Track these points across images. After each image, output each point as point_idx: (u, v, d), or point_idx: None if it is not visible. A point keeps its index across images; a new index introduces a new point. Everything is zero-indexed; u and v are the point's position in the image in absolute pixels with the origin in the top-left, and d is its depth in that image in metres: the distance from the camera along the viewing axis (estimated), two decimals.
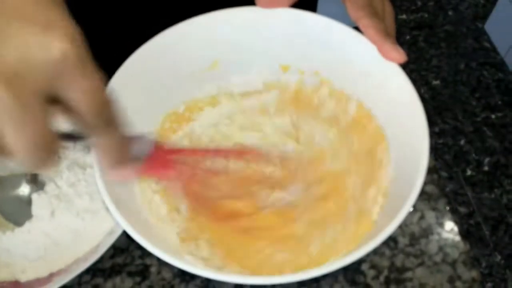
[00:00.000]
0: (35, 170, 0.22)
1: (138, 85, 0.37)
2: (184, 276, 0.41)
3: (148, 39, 0.37)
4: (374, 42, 0.35)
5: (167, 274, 0.42)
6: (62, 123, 0.24)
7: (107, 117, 0.24)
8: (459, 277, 0.41)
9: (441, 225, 0.44)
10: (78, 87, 0.22)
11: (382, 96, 0.38)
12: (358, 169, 0.39)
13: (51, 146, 0.22)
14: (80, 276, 0.41)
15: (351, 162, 0.40)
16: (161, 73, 0.39)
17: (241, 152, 0.39)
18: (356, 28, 0.37)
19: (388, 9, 0.38)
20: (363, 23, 0.36)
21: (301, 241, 0.37)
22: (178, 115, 0.42)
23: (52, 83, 0.22)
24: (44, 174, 0.42)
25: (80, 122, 0.24)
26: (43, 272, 0.40)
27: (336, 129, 0.42)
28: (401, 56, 0.35)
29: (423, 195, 0.45)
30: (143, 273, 0.42)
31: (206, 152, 0.38)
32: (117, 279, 0.41)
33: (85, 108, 0.23)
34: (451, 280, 0.41)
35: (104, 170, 0.28)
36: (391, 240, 0.43)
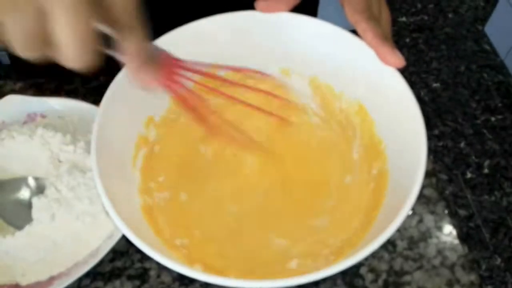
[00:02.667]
0: (76, 65, 0.25)
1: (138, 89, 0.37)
2: (183, 280, 0.41)
3: None
4: (372, 46, 0.36)
5: (166, 278, 0.42)
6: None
7: (136, 18, 0.26)
8: (458, 281, 0.41)
9: (439, 228, 0.44)
10: None
11: (380, 100, 0.38)
12: (355, 171, 0.39)
13: (94, 43, 0.24)
14: (80, 279, 0.41)
15: (349, 165, 0.40)
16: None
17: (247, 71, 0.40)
18: (355, 32, 0.37)
19: (385, 14, 0.38)
20: (361, 27, 0.36)
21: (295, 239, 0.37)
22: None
23: None
24: (45, 177, 0.42)
25: (113, 22, 0.26)
26: (43, 276, 0.40)
27: (335, 131, 0.42)
28: (400, 60, 0.35)
29: (422, 198, 0.45)
30: (143, 276, 0.42)
31: (216, 67, 0.38)
32: (117, 283, 0.42)
33: (122, 7, 0.25)
34: (449, 284, 0.41)
35: (130, 75, 0.29)
36: (390, 244, 0.43)
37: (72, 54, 0.24)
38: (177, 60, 0.33)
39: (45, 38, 0.24)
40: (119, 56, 0.28)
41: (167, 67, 0.32)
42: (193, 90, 0.35)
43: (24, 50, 0.24)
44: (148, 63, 0.29)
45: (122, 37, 0.27)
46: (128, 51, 0.27)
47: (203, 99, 0.36)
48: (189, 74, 0.34)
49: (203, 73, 0.36)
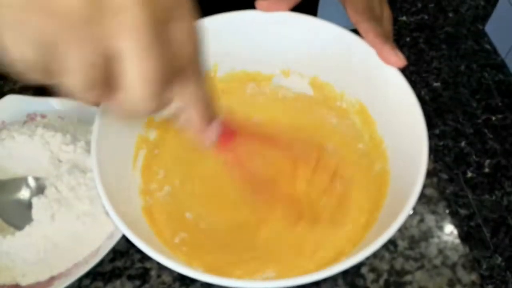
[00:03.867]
0: (141, 111, 0.21)
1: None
2: (184, 280, 0.41)
3: None
4: (373, 46, 0.36)
5: (167, 278, 0.42)
6: None
7: (200, 63, 0.23)
8: (459, 280, 0.41)
9: (440, 228, 0.44)
10: (186, 26, 0.22)
11: (382, 99, 0.38)
12: (356, 171, 0.39)
13: (166, 85, 0.21)
14: (80, 279, 0.41)
15: (349, 164, 0.40)
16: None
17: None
18: (356, 32, 0.37)
19: (387, 14, 0.38)
20: (363, 27, 0.36)
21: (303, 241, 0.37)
22: None
23: (167, 10, 0.21)
24: (45, 177, 0.42)
25: (177, 66, 0.22)
26: (43, 276, 0.40)
27: (335, 130, 0.42)
28: (401, 60, 0.35)
29: (423, 198, 0.45)
30: (143, 276, 0.42)
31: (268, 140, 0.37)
32: (117, 283, 0.42)
33: (188, 50, 0.22)
34: (450, 284, 0.41)
35: (196, 132, 0.26)
36: (391, 243, 0.43)
37: (140, 96, 0.21)
38: (232, 128, 0.30)
39: (107, 79, 0.20)
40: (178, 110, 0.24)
41: (229, 131, 0.29)
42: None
43: (83, 90, 0.20)
44: (211, 116, 0.26)
45: (185, 86, 0.23)
46: (192, 101, 0.24)
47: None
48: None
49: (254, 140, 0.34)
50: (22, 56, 0.19)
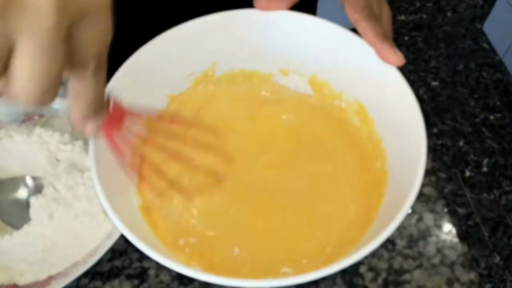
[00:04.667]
0: (25, 103, 0.22)
1: (137, 87, 0.37)
2: (182, 279, 0.41)
3: (146, 42, 0.37)
4: (372, 44, 0.35)
5: (165, 277, 0.41)
6: None
7: (103, 61, 0.25)
8: (457, 279, 0.41)
9: (439, 227, 0.44)
10: (98, 27, 0.23)
11: (380, 98, 0.38)
12: (355, 170, 0.39)
13: (56, 85, 0.22)
14: (78, 279, 0.41)
15: (347, 164, 0.40)
16: (159, 74, 0.39)
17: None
18: (355, 31, 0.37)
19: (386, 12, 0.38)
20: (361, 25, 0.36)
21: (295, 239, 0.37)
22: None
23: (82, 14, 0.22)
24: (43, 176, 0.42)
25: (77, 62, 0.23)
26: (41, 275, 0.40)
27: (333, 130, 0.42)
28: (399, 59, 0.35)
29: (421, 197, 0.45)
30: (141, 276, 0.42)
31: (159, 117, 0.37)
32: (116, 282, 0.41)
33: (93, 49, 0.23)
34: (449, 282, 0.41)
35: (75, 121, 0.27)
36: (389, 242, 0.43)
37: (27, 92, 0.21)
38: (124, 109, 0.31)
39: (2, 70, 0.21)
40: (69, 97, 0.25)
41: (114, 116, 0.30)
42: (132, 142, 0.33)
43: None
44: (99, 111, 0.27)
45: (79, 78, 0.24)
46: (83, 94, 0.25)
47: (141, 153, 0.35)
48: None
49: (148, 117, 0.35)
50: None
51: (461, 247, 0.43)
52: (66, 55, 0.22)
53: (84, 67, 0.24)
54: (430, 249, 0.42)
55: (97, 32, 0.23)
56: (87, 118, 0.26)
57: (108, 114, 0.29)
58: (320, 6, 0.61)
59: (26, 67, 0.21)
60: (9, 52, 0.21)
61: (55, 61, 0.21)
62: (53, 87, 0.22)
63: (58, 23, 0.20)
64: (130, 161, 0.35)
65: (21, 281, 0.40)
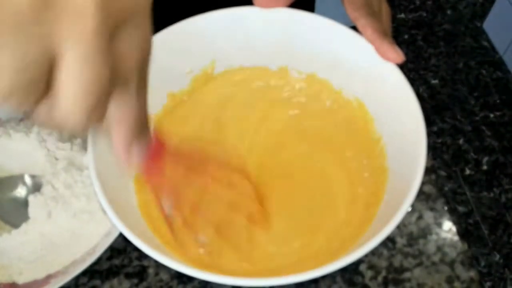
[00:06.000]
0: (79, 128, 0.19)
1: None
2: (182, 277, 0.41)
3: None
4: (371, 42, 0.35)
5: (164, 276, 0.41)
6: None
7: (146, 74, 0.21)
8: (458, 277, 0.41)
9: (439, 225, 0.43)
10: (141, 32, 0.20)
11: (380, 96, 0.38)
12: (354, 168, 0.39)
13: (104, 103, 0.19)
14: (77, 277, 0.40)
15: (347, 162, 0.40)
16: (158, 71, 0.39)
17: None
18: (354, 28, 0.37)
19: (385, 9, 0.38)
20: (361, 23, 0.35)
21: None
22: None
23: (126, 16, 0.18)
24: (42, 174, 0.42)
25: (120, 73, 0.20)
26: (40, 274, 0.40)
27: (332, 128, 0.41)
28: (399, 56, 0.35)
29: (421, 195, 0.45)
30: (141, 274, 0.42)
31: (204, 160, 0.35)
32: (115, 281, 0.41)
33: (136, 59, 0.20)
34: (449, 280, 0.41)
35: (120, 150, 0.23)
36: (389, 241, 0.43)
37: (78, 110, 0.18)
38: (164, 143, 0.27)
39: (41, 83, 0.17)
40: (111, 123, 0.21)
41: (156, 147, 0.26)
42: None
43: (10, 92, 0.17)
44: (141, 136, 0.23)
45: (121, 97, 0.20)
46: (126, 116, 0.21)
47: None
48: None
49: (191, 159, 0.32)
50: None
51: (461, 245, 0.42)
52: (113, 67, 0.19)
53: (127, 82, 0.20)
54: (430, 247, 0.42)
55: (140, 38, 0.20)
56: (131, 143, 0.23)
57: (151, 141, 0.25)
58: (318, 4, 0.61)
59: (75, 81, 0.17)
60: (51, 67, 0.17)
61: (104, 71, 0.18)
62: (103, 104, 0.19)
63: (103, 24, 0.17)
64: (169, 206, 0.32)
65: (20, 280, 0.40)
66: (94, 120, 0.19)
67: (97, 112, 0.19)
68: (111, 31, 0.18)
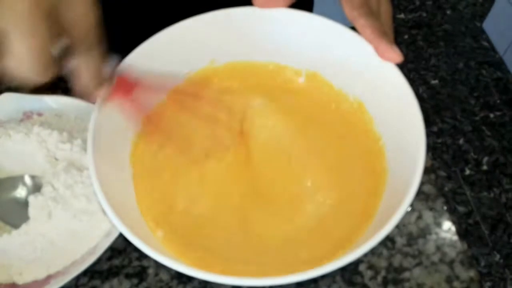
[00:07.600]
0: (28, 79, 0.27)
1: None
2: (182, 277, 0.41)
3: (144, 40, 0.37)
4: (370, 41, 0.35)
5: (164, 276, 0.41)
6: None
7: (92, 39, 0.28)
8: (457, 277, 0.41)
9: (438, 225, 0.43)
10: (77, 8, 0.27)
11: (379, 96, 0.38)
12: (354, 168, 0.39)
13: (48, 58, 0.26)
14: (77, 278, 0.41)
15: (346, 162, 0.40)
16: (158, 72, 0.39)
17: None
18: (353, 28, 0.37)
19: (385, 8, 0.38)
20: (359, 22, 0.35)
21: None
22: None
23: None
24: (42, 175, 0.42)
25: (73, 40, 0.28)
26: (40, 274, 0.40)
27: (332, 127, 0.42)
28: (398, 56, 0.35)
29: (421, 195, 0.45)
30: (141, 275, 0.42)
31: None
32: (115, 281, 0.41)
33: (79, 28, 0.27)
34: (449, 280, 0.41)
35: (80, 92, 0.31)
36: (389, 240, 0.43)
37: (26, 66, 0.25)
38: (135, 80, 0.34)
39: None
40: (74, 73, 0.29)
41: (124, 86, 0.34)
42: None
43: None
44: (102, 83, 0.31)
45: (79, 56, 0.28)
46: (82, 68, 0.29)
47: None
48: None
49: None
50: None
51: (460, 245, 0.42)
52: (53, 32, 0.26)
53: (80, 44, 0.28)
54: (430, 247, 0.42)
55: (78, 11, 0.27)
56: (90, 87, 0.31)
57: (113, 85, 0.33)
58: (317, 4, 0.61)
59: (21, 45, 0.25)
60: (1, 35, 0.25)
61: (45, 37, 0.25)
62: (46, 59, 0.26)
63: (36, 5, 0.24)
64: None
65: (20, 280, 0.40)
66: (51, 72, 0.26)
67: (44, 65, 0.26)
68: (47, 10, 0.25)
